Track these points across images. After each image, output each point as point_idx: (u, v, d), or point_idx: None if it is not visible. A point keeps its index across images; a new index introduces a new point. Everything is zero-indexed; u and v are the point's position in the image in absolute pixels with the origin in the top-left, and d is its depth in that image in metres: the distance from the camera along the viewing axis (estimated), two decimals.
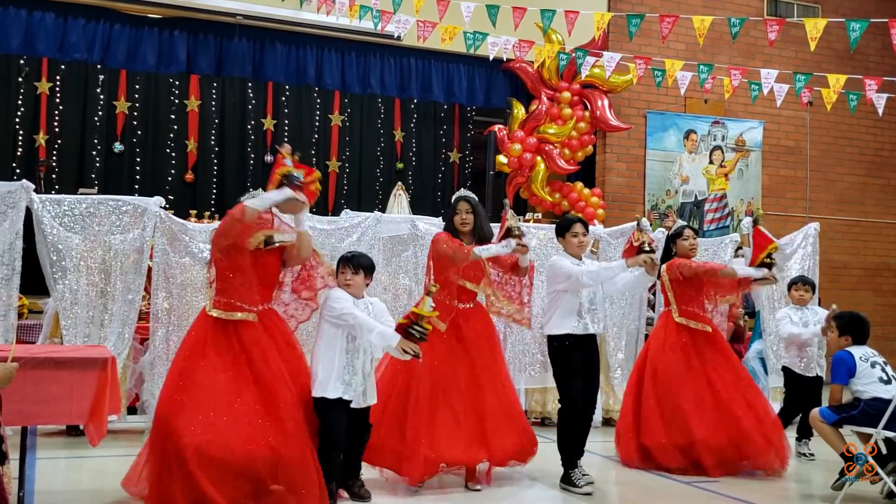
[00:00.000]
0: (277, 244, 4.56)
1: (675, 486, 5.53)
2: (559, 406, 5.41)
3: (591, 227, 7.97)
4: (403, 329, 4.42)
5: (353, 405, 4.55)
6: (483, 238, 5.26)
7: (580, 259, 5.44)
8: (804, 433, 6.60)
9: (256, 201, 4.44)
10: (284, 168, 4.54)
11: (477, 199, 5.41)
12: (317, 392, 4.51)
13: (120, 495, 4.68)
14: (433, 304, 4.43)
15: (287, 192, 4.48)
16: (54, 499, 4.63)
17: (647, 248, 5.34)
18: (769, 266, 6.00)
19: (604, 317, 5.94)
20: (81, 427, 6.27)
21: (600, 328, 5.46)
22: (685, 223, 6.34)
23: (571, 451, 5.29)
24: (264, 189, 4.64)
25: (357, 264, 4.72)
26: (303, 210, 4.57)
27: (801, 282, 6.93)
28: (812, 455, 6.51)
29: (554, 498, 5.20)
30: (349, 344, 4.58)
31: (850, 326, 5.47)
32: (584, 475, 5.25)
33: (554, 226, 5.81)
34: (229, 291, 4.45)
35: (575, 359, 5.25)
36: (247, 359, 4.38)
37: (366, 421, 4.71)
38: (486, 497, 5.09)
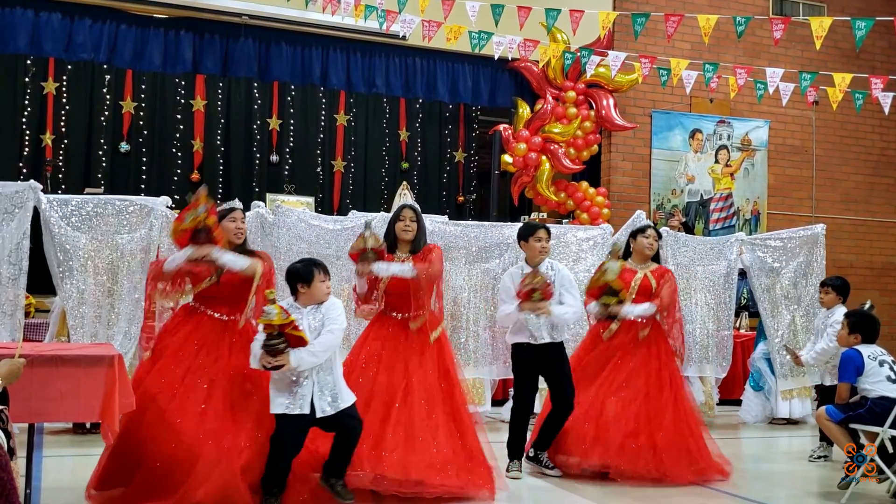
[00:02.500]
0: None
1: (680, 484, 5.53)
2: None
3: (600, 227, 8.04)
4: (263, 345, 4.21)
5: (318, 415, 4.30)
6: (416, 250, 5.21)
7: (536, 265, 5.65)
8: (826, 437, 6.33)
9: (169, 264, 4.53)
10: (194, 221, 4.49)
11: (420, 210, 5.41)
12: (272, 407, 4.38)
13: (125, 494, 4.69)
14: (277, 311, 4.17)
15: (188, 252, 4.51)
16: (60, 496, 4.64)
17: (538, 296, 5.39)
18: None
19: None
20: (88, 425, 6.36)
21: (562, 336, 5.68)
22: (649, 222, 6.30)
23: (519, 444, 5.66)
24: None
25: (326, 268, 4.55)
26: (217, 255, 4.55)
27: (821, 283, 6.78)
28: (824, 457, 6.44)
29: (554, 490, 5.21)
30: None
31: (860, 325, 5.47)
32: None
33: (556, 226, 5.82)
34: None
35: (526, 364, 5.65)
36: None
37: (344, 425, 4.39)
38: None
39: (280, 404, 4.30)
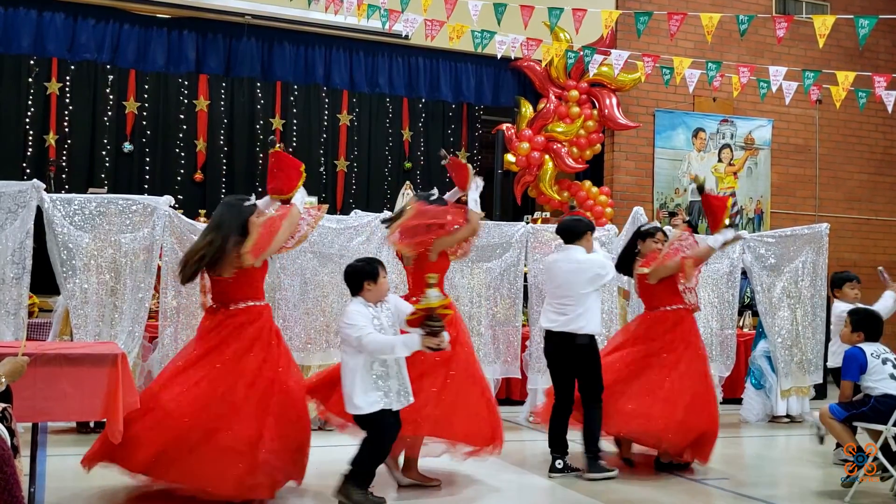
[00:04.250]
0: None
1: (684, 483, 5.54)
2: (592, 398, 5.54)
3: (604, 228, 8.05)
4: (420, 327, 4.38)
5: (394, 408, 4.48)
6: None
7: None
8: None
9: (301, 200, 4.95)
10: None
11: None
12: (357, 410, 4.43)
13: (128, 492, 4.70)
14: (437, 294, 4.40)
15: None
16: (64, 495, 4.66)
17: None
18: (732, 226, 5.96)
19: None
20: (92, 424, 6.37)
21: None
22: (658, 225, 6.32)
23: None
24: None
25: (384, 264, 4.71)
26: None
27: (855, 279, 6.78)
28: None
29: (555, 487, 5.21)
30: None
31: (864, 323, 5.47)
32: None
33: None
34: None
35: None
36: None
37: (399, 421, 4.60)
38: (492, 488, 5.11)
39: (374, 402, 4.40)
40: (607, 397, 5.58)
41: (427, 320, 4.36)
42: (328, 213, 8.89)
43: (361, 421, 4.47)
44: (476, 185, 5.35)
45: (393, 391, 4.47)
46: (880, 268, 6.97)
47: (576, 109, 11.24)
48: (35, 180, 6.32)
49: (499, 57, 8.95)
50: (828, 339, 8.02)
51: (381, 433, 4.45)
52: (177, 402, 4.43)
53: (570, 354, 5.54)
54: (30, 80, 9.77)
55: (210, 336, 4.67)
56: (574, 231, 5.68)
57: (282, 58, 10.85)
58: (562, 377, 5.61)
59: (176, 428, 4.38)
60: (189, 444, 4.37)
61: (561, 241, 5.89)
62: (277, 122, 10.76)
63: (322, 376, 5.10)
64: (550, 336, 5.63)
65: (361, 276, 4.55)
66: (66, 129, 9.90)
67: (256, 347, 4.64)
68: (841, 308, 6.65)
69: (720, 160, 12.26)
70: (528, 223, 8.79)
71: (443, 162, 5.61)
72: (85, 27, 10.04)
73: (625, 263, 6.11)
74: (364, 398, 4.40)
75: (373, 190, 11.19)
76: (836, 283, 6.79)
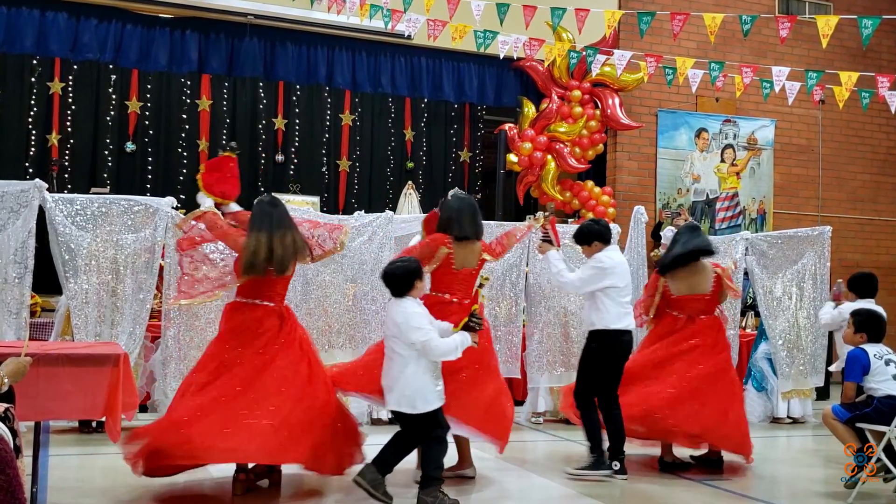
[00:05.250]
0: None
1: (687, 483, 5.53)
2: (616, 397, 5.58)
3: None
4: (466, 326, 4.54)
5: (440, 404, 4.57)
6: None
7: None
8: None
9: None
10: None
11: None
12: (416, 409, 4.47)
13: (131, 492, 4.70)
14: (484, 294, 4.65)
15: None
16: (66, 495, 4.66)
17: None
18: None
19: None
20: (94, 424, 6.38)
21: None
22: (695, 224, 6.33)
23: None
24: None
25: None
26: None
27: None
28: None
29: (563, 487, 5.21)
30: None
31: (867, 324, 5.46)
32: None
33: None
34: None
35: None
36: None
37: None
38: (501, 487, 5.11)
39: (432, 401, 4.49)
40: (682, 403, 5.59)
41: (472, 318, 4.56)
42: (329, 212, 8.99)
43: (416, 419, 4.49)
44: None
45: (441, 388, 4.56)
46: (839, 281, 7.09)
47: (578, 109, 11.23)
48: (37, 180, 6.33)
49: (501, 57, 8.96)
50: (830, 340, 8.06)
51: (440, 428, 4.53)
52: (320, 402, 4.72)
53: (627, 352, 5.64)
54: (32, 79, 9.78)
55: (290, 333, 4.82)
56: (610, 234, 5.85)
57: (284, 58, 10.86)
58: (599, 376, 5.62)
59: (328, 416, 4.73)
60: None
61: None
62: (280, 122, 10.77)
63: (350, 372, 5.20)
64: (623, 335, 5.57)
65: (413, 275, 4.56)
66: (69, 129, 9.91)
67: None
68: (845, 308, 6.66)
69: (723, 160, 12.25)
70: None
71: (547, 214, 6.10)
72: (87, 27, 10.06)
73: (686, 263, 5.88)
74: (425, 398, 4.47)
75: (375, 190, 11.19)
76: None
